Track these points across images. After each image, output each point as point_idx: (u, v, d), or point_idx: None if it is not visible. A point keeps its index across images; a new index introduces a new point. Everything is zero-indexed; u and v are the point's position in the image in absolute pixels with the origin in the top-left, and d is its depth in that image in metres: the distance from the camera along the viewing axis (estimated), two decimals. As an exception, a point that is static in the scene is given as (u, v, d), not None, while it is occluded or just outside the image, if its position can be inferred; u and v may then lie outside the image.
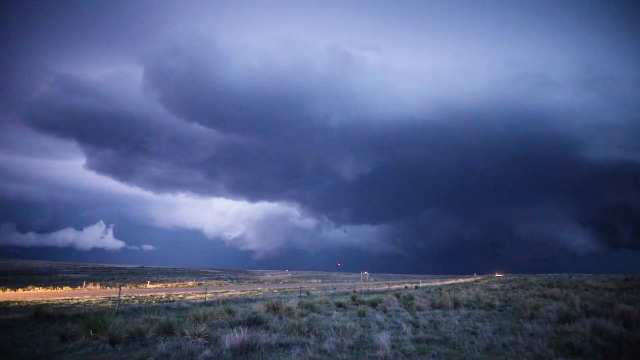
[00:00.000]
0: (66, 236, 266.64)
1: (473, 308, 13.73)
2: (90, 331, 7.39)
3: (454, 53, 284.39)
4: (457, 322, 9.98)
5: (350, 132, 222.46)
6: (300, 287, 32.74)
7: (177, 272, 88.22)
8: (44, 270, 70.14)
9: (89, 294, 24.63)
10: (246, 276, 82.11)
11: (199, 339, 7.10)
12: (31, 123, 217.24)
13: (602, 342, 6.78)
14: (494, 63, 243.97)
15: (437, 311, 12.79)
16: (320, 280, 63.42)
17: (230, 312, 10.66)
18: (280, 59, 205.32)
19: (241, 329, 7.26)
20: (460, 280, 69.63)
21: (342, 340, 7.29)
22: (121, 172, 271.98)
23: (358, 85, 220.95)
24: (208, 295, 20.43)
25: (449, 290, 24.39)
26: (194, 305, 15.83)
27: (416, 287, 35.59)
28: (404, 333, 8.37)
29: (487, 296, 18.14)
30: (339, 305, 14.51)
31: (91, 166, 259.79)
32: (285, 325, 8.57)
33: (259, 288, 32.17)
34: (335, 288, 32.96)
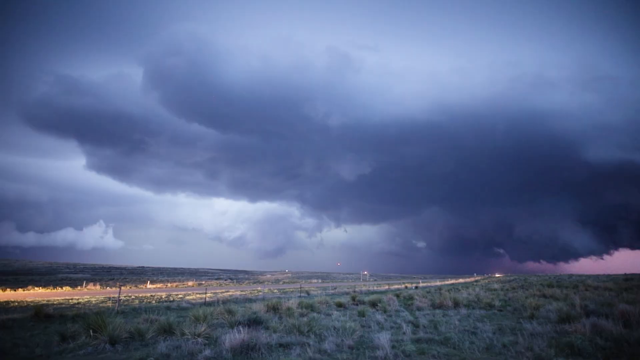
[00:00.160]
0: (66, 236, 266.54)
1: (473, 308, 13.73)
2: (90, 331, 7.39)
3: (453, 53, 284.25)
4: (457, 322, 9.98)
5: (349, 131, 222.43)
6: (300, 287, 32.75)
7: (177, 272, 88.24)
8: (44, 270, 70.16)
9: (89, 293, 24.64)
10: (246, 276, 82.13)
11: (199, 339, 7.09)
12: (31, 123, 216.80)
13: (602, 342, 6.78)
14: (493, 63, 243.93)
15: (437, 311, 12.79)
16: (320, 280, 63.44)
17: (230, 312, 10.66)
18: (279, 59, 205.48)
19: (241, 329, 7.26)
20: (460, 280, 69.67)
21: (342, 340, 7.29)
22: (121, 172, 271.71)
23: (357, 85, 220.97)
24: (208, 295, 20.44)
25: (449, 290, 24.39)
26: (194, 305, 15.83)
27: (416, 287, 35.59)
28: (404, 333, 8.37)
29: (487, 296, 18.14)
30: (339, 305, 14.51)
31: (91, 166, 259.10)
32: (285, 325, 8.57)
33: (259, 288, 32.18)
34: (335, 288, 32.96)
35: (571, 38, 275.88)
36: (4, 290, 26.51)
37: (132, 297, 20.72)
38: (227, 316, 10.10)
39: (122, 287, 31.45)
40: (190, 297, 20.90)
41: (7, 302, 16.85)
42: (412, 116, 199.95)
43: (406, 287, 35.89)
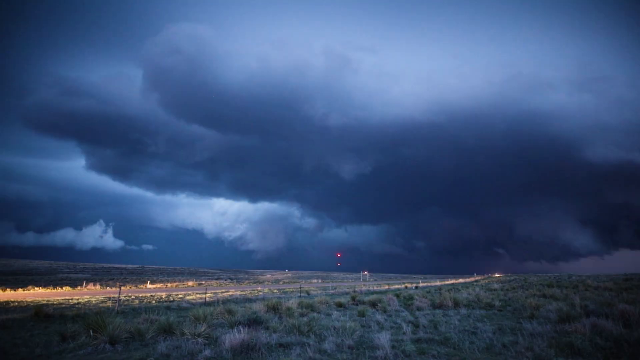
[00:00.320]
0: (65, 236, 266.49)
1: (473, 308, 13.73)
2: (90, 331, 7.39)
3: (450, 54, 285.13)
4: (457, 322, 9.98)
5: (349, 132, 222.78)
6: (300, 287, 32.75)
7: (177, 272, 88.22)
8: (44, 270, 70.13)
9: (89, 294, 24.63)
10: (246, 276, 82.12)
11: (199, 339, 7.09)
12: (31, 124, 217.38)
13: (602, 342, 6.78)
14: (490, 64, 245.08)
15: (437, 311, 12.78)
16: (320, 280, 63.42)
17: (230, 312, 10.66)
18: (277, 61, 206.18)
19: (241, 329, 7.26)
20: (460, 280, 69.64)
21: (342, 340, 7.29)
22: (121, 173, 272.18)
23: (355, 86, 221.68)
24: (208, 295, 20.43)
25: (449, 290, 24.39)
26: (194, 305, 15.83)
27: (416, 287, 35.59)
28: (404, 333, 8.37)
29: (487, 296, 18.14)
30: (339, 305, 14.51)
31: (91, 166, 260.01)
32: (285, 325, 8.57)
33: (259, 288, 32.18)
34: (335, 288, 32.96)
35: (567, 39, 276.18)
36: (4, 290, 26.50)
37: (132, 297, 20.72)
38: (227, 316, 10.10)
39: (122, 287, 31.45)
40: (190, 297, 20.90)
41: (7, 302, 16.85)
42: (411, 116, 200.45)
43: (406, 287, 35.89)
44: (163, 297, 21.12)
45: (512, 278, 57.48)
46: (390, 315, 11.70)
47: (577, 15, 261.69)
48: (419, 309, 13.51)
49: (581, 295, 16.45)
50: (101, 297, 20.54)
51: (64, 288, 30.66)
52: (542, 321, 9.57)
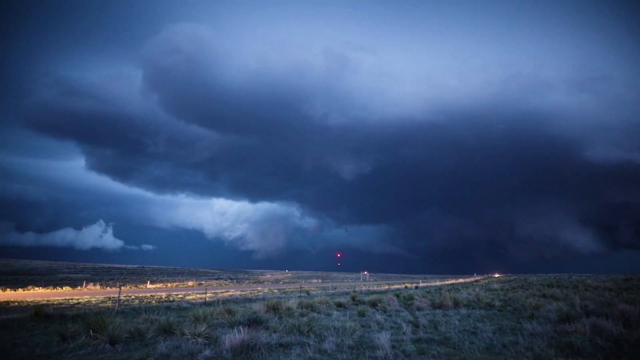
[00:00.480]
0: (65, 236, 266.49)
1: (473, 308, 13.73)
2: (90, 331, 7.39)
3: (449, 54, 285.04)
4: (457, 322, 9.98)
5: (349, 132, 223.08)
6: (300, 287, 32.75)
7: (177, 272, 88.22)
8: (44, 270, 70.13)
9: (89, 293, 24.64)
10: (246, 276, 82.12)
11: (199, 339, 7.09)
12: (31, 125, 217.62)
13: (602, 342, 6.78)
14: (489, 64, 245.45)
15: (437, 311, 12.79)
16: (320, 280, 63.42)
17: (230, 312, 10.66)
18: (277, 61, 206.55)
19: (241, 329, 7.26)
20: (460, 280, 69.64)
21: (342, 340, 7.29)
22: (121, 173, 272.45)
23: (355, 86, 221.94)
24: (208, 295, 20.44)
25: (449, 290, 24.39)
26: (194, 305, 15.83)
27: (416, 287, 35.59)
28: (404, 333, 8.37)
29: (487, 296, 18.14)
30: (339, 305, 14.51)
31: (91, 166, 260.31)
32: (285, 325, 8.57)
33: (259, 288, 32.18)
34: (335, 288, 32.96)
35: (566, 39, 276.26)
36: (4, 290, 26.50)
37: (132, 297, 20.72)
38: (227, 316, 10.10)
39: (122, 287, 31.45)
40: (190, 297, 20.90)
41: (7, 302, 16.85)
42: (411, 116, 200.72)
43: (406, 287, 35.89)
44: (163, 297, 21.11)
45: (512, 278, 57.49)
46: (390, 315, 11.70)
47: (576, 16, 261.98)
48: (419, 309, 13.51)
49: (581, 295, 16.45)
50: (101, 297, 20.54)
51: (64, 288, 30.66)
52: (542, 321, 9.57)
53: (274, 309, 11.99)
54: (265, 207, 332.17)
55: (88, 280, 43.67)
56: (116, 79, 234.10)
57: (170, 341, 7.11)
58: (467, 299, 15.95)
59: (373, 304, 14.33)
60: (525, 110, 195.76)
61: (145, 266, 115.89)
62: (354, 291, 25.98)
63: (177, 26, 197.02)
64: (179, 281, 50.13)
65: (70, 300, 18.30)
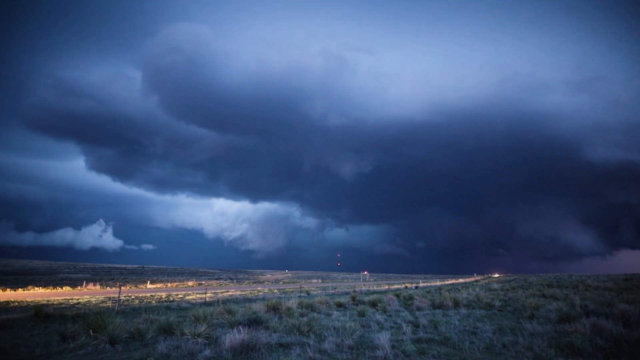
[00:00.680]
0: (64, 236, 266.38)
1: (473, 308, 13.73)
2: (90, 331, 7.39)
3: (447, 55, 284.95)
4: (457, 322, 9.98)
5: (348, 132, 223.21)
6: (300, 287, 32.76)
7: (177, 272, 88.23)
8: (44, 270, 70.13)
9: (89, 294, 24.64)
10: (246, 276, 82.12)
11: (199, 339, 7.09)
12: (31, 125, 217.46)
13: (602, 342, 6.78)
14: (486, 65, 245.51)
15: (437, 311, 12.79)
16: (320, 280, 63.43)
17: (230, 312, 10.66)
18: (276, 62, 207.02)
19: (241, 329, 7.26)
20: (460, 280, 69.66)
21: (342, 340, 7.28)
22: (121, 173, 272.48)
23: (354, 87, 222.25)
24: (208, 295, 20.44)
25: (449, 290, 24.39)
26: (194, 305, 15.84)
27: (416, 287, 35.60)
28: (404, 333, 8.37)
29: (487, 296, 18.14)
30: (339, 305, 14.51)
31: (91, 167, 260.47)
32: (285, 325, 8.57)
33: (259, 288, 32.18)
34: (336, 288, 32.96)
35: (563, 39, 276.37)
36: (4, 290, 26.51)
37: (132, 297, 20.72)
38: (227, 316, 10.10)
39: (122, 287, 31.46)
40: (190, 297, 20.90)
41: (7, 302, 16.85)
42: (410, 116, 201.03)
43: (406, 287, 35.89)
44: (163, 297, 21.12)
45: (512, 278, 57.48)
46: (390, 315, 11.70)
47: (573, 16, 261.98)
48: (419, 309, 13.51)
49: (581, 295, 16.45)
50: (101, 297, 20.55)
51: (64, 288, 30.66)
52: (542, 321, 9.57)
53: (274, 309, 11.99)
54: (265, 207, 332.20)
55: (88, 280, 43.68)
56: (116, 79, 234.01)
57: (170, 341, 7.11)
58: (467, 299, 15.95)
59: (373, 304, 14.33)
60: (524, 110, 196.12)
61: (145, 266, 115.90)
62: (354, 291, 25.98)
63: (176, 26, 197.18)
64: (179, 281, 50.13)
65: (70, 300, 18.30)
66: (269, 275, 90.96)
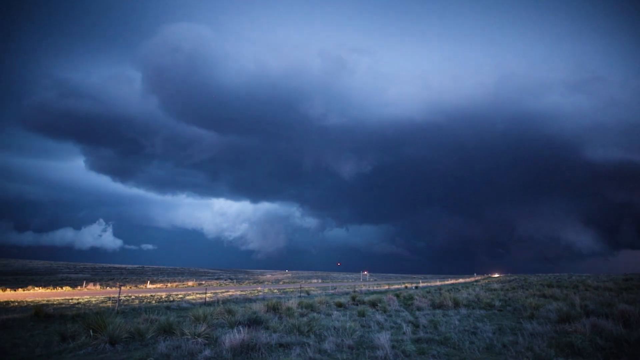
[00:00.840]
0: (64, 235, 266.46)
1: (473, 308, 13.73)
2: (90, 331, 7.39)
3: (445, 55, 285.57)
4: (457, 322, 9.98)
5: (348, 132, 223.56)
6: (300, 287, 32.75)
7: (177, 272, 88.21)
8: (44, 270, 70.11)
9: (89, 294, 24.63)
10: (246, 276, 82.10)
11: (199, 339, 7.09)
12: (31, 125, 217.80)
13: (602, 342, 6.78)
14: (484, 65, 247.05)
15: (437, 311, 12.78)
16: (320, 280, 63.41)
17: (230, 312, 10.66)
18: (275, 63, 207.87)
19: (241, 329, 7.26)
20: (460, 280, 69.65)
21: (342, 340, 7.28)
22: (121, 173, 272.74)
23: (353, 87, 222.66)
24: (208, 295, 20.43)
25: (449, 290, 24.38)
26: (194, 305, 15.83)
27: (416, 287, 35.59)
28: (404, 333, 8.37)
29: (487, 296, 18.14)
30: (339, 305, 14.51)
31: (91, 167, 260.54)
32: (285, 325, 8.57)
33: (259, 288, 32.17)
34: (336, 288, 32.95)
35: (561, 40, 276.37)
36: (4, 290, 26.50)
37: (132, 297, 20.72)
38: (227, 316, 10.10)
39: (122, 287, 31.45)
40: (190, 297, 20.90)
41: (7, 302, 16.85)
42: (410, 117, 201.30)
43: (406, 287, 35.89)
44: (163, 297, 21.11)
45: (512, 278, 57.47)
46: (390, 315, 11.69)
47: (571, 17, 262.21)
48: (419, 309, 13.51)
49: (581, 295, 16.44)
50: (101, 297, 20.54)
51: (64, 288, 30.65)
52: (542, 321, 9.57)
53: (274, 309, 11.99)
54: (265, 207, 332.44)
55: (88, 280, 43.67)
56: (115, 79, 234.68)
57: (170, 341, 7.11)
58: (467, 299, 15.95)
59: (373, 304, 14.33)
60: (523, 110, 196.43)
61: (145, 266, 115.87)
62: (354, 291, 25.97)
63: (176, 27, 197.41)
64: (179, 281, 50.12)
65: (70, 300, 18.29)
66: (269, 275, 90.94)
